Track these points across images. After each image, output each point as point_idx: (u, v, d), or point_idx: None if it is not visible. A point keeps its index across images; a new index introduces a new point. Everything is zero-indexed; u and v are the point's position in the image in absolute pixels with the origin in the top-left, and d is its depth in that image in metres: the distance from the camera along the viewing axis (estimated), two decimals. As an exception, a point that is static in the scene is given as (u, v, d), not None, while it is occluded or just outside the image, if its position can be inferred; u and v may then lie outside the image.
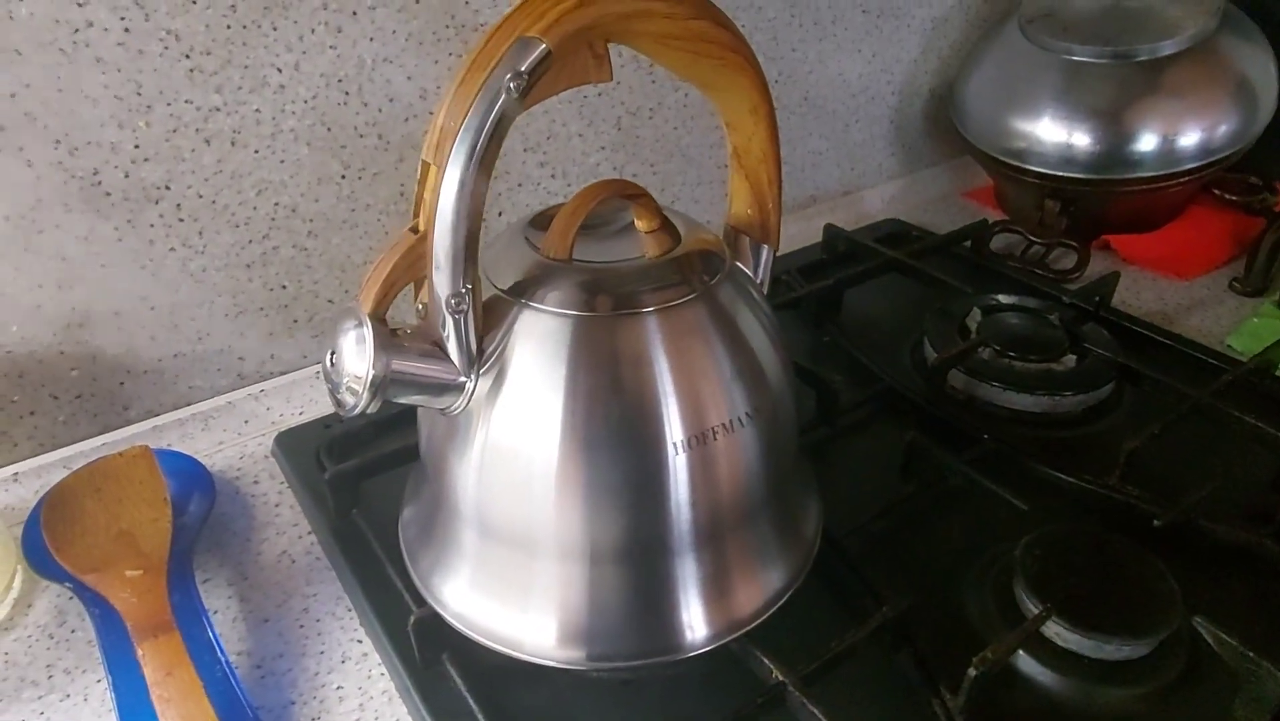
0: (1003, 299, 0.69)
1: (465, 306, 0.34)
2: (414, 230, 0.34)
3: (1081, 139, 0.77)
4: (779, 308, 0.69)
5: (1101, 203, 0.79)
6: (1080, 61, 0.77)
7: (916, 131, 0.93)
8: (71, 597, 0.49)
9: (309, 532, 0.53)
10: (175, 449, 0.58)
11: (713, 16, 0.36)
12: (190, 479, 0.55)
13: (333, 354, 0.34)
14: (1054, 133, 0.78)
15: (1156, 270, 0.79)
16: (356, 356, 0.33)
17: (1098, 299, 0.70)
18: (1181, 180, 0.77)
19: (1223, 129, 0.75)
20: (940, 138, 0.95)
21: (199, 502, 0.53)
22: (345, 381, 0.34)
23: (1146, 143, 0.75)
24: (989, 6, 0.90)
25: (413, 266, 0.34)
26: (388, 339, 0.33)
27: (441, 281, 0.34)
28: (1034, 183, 0.80)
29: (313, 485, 0.55)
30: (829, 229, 0.81)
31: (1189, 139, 0.75)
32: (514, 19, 0.32)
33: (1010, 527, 0.49)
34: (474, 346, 0.36)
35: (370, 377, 0.33)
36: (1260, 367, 0.61)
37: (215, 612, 0.48)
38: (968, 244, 0.82)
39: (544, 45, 0.31)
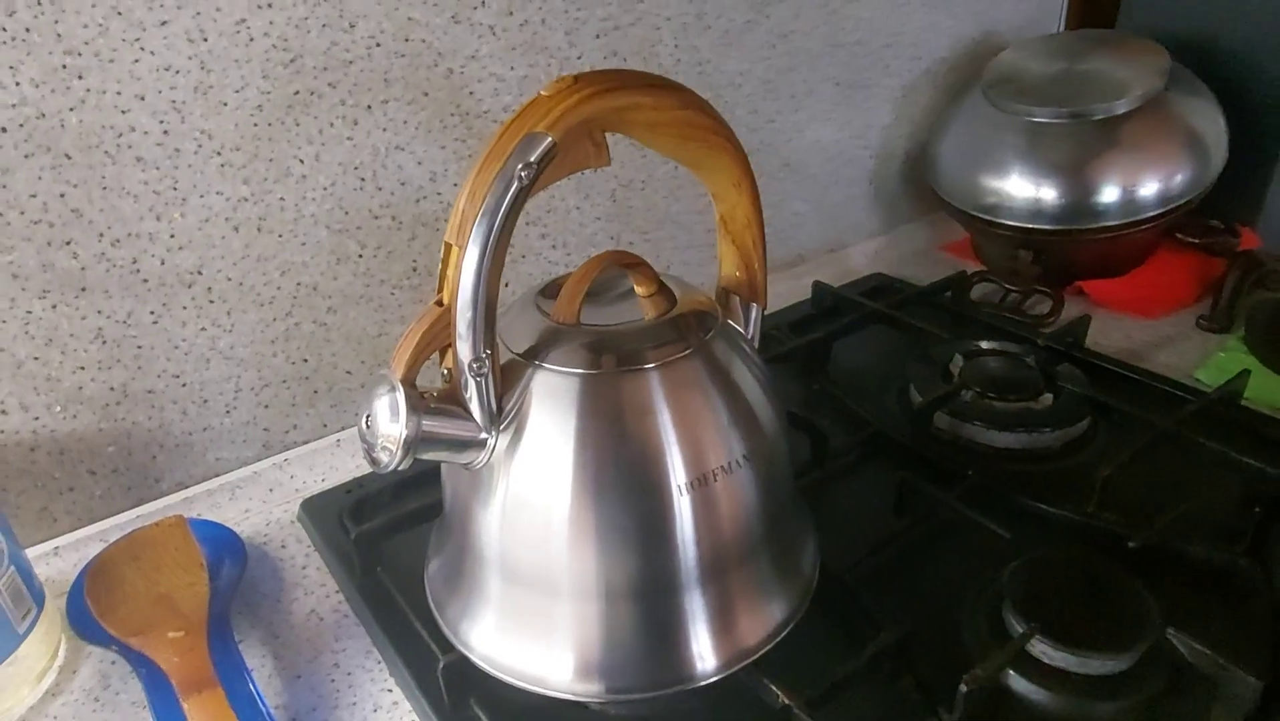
0: (982, 344, 0.73)
1: (485, 370, 0.38)
2: (439, 303, 0.38)
3: (1048, 193, 0.82)
4: (772, 360, 0.72)
5: (1070, 251, 0.84)
6: (1040, 122, 0.82)
7: (894, 191, 0.99)
8: (115, 661, 0.52)
9: (336, 591, 0.56)
10: (206, 518, 0.61)
11: (695, 105, 0.41)
12: (222, 545, 0.58)
13: (367, 417, 0.38)
14: (1022, 188, 0.83)
15: (1126, 311, 0.84)
16: (390, 418, 0.37)
17: (1071, 340, 0.74)
18: (1144, 227, 0.81)
19: (1178, 178, 0.80)
20: (916, 196, 1.01)
21: (231, 567, 0.57)
22: (380, 442, 0.38)
23: (1108, 194, 0.80)
24: (954, 74, 0.96)
25: (438, 336, 0.38)
26: (418, 401, 0.37)
27: (464, 348, 0.38)
28: (1006, 235, 0.85)
29: (338, 546, 0.58)
30: (817, 286, 0.86)
31: (1147, 189, 0.80)
32: (523, 117, 0.36)
33: (999, 557, 0.52)
34: (494, 405, 0.39)
35: (403, 437, 0.37)
36: (1225, 397, 0.65)
37: (251, 670, 0.50)
38: (949, 294, 0.86)
39: (550, 139, 0.36)
